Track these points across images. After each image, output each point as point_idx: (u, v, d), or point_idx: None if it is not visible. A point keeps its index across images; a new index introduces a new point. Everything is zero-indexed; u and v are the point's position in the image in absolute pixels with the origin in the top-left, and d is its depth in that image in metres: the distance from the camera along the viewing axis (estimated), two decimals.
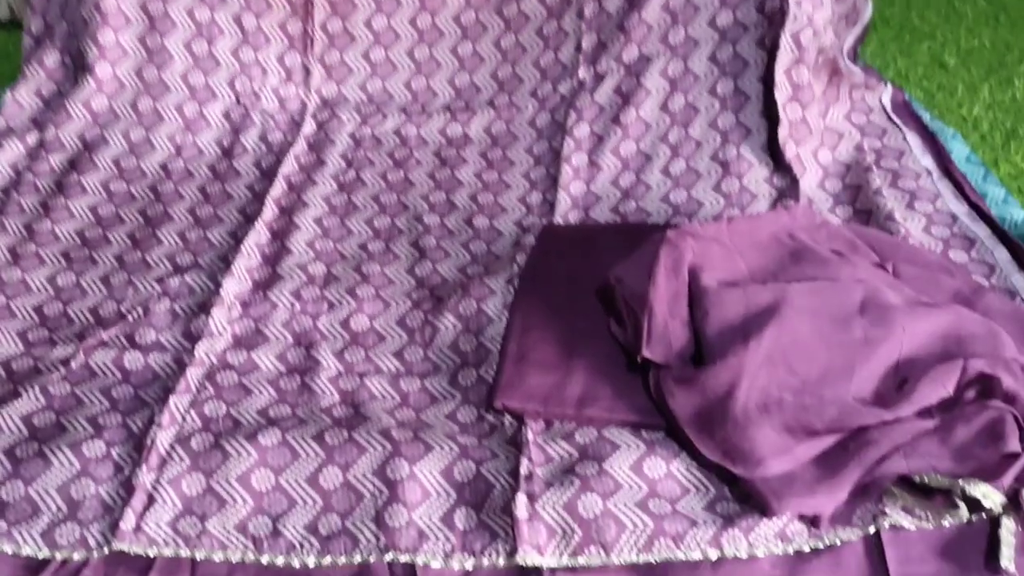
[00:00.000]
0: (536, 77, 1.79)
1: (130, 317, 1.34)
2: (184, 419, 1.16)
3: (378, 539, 1.02)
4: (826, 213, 1.47)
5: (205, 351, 1.27)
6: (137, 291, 1.40)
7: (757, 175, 1.51)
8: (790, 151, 1.50)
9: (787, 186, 1.49)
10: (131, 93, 1.76)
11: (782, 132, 1.53)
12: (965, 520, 0.99)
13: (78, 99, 1.74)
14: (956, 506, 0.98)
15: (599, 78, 1.72)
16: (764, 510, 1.00)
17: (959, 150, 1.64)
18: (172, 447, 1.11)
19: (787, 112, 1.55)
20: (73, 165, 1.67)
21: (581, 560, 0.99)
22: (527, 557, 0.98)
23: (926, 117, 1.73)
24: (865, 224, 1.45)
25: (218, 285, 1.38)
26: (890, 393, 1.07)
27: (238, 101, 1.78)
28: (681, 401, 1.09)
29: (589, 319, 1.26)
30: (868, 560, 0.98)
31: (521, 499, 1.03)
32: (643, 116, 1.64)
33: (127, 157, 1.70)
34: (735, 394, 1.05)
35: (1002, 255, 1.39)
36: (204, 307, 1.35)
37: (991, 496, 0.97)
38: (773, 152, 1.53)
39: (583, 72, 1.74)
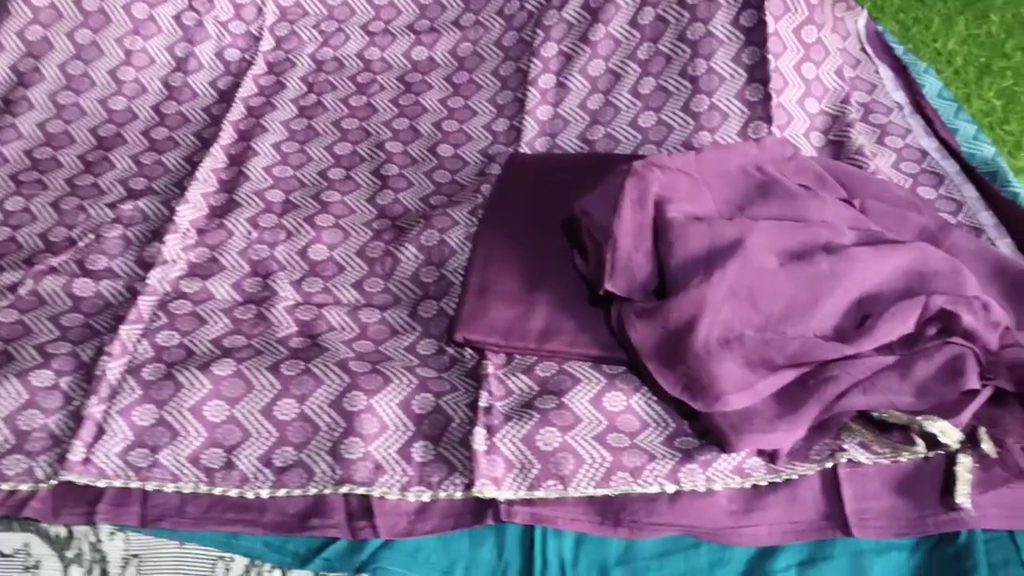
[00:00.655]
0: None
1: (81, 243, 1.30)
2: (135, 348, 1.13)
3: (334, 471, 1.01)
4: (799, 138, 1.44)
5: (158, 279, 1.24)
6: (89, 216, 1.36)
7: (728, 90, 1.47)
8: (771, 63, 1.47)
9: (759, 101, 1.44)
10: None
11: (770, 41, 1.47)
12: (922, 456, 0.99)
13: None
14: (914, 442, 0.99)
15: None
16: (722, 446, 1.00)
17: (931, 84, 1.62)
18: (123, 377, 1.09)
19: (768, 23, 1.48)
20: (20, 77, 1.61)
21: (539, 493, 0.98)
22: (484, 490, 0.98)
23: (899, 50, 1.70)
24: (836, 157, 1.43)
25: (172, 211, 1.34)
26: (851, 329, 1.06)
27: (190, 5, 1.70)
28: (642, 334, 1.08)
29: (553, 252, 1.24)
30: (824, 495, 0.99)
31: (479, 432, 1.02)
32: (612, 32, 1.59)
33: (74, 63, 1.63)
34: (696, 327, 1.04)
35: (970, 192, 1.38)
36: (158, 234, 1.31)
37: (949, 433, 0.97)
38: (747, 65, 1.49)
39: None
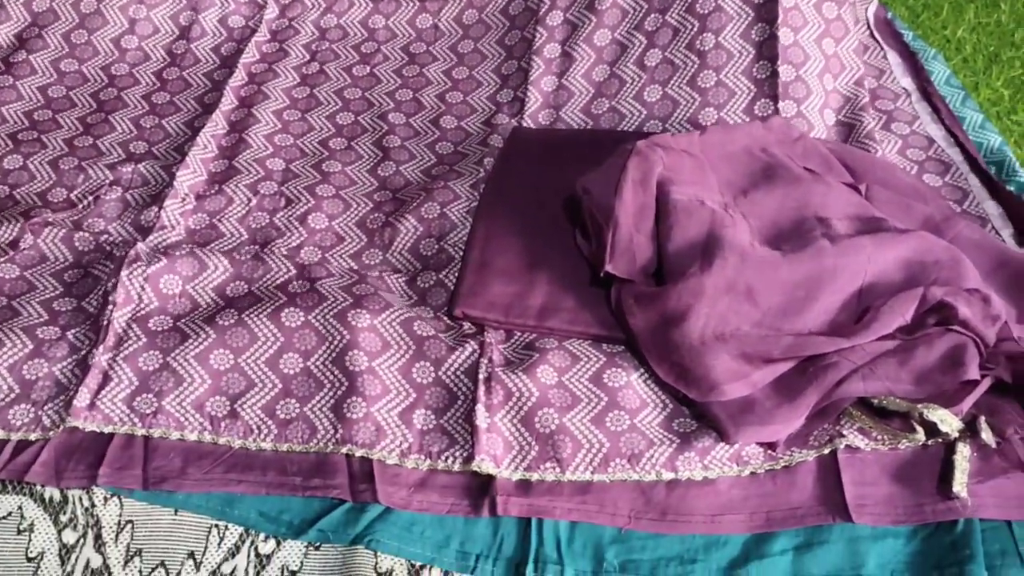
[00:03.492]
0: None
1: (80, 205, 1.30)
2: (140, 297, 1.13)
3: (336, 430, 1.01)
4: (814, 113, 1.42)
5: (156, 244, 1.23)
6: (88, 177, 1.35)
7: (736, 66, 1.46)
8: (785, 37, 1.45)
9: (766, 78, 1.43)
10: None
11: (782, 15, 1.45)
12: (921, 444, 0.99)
13: None
14: (913, 429, 0.98)
15: None
16: (720, 435, 1.00)
17: (939, 71, 1.61)
18: (128, 325, 1.09)
19: None
20: (23, 43, 1.59)
21: (535, 475, 0.98)
22: (483, 465, 0.97)
23: (908, 36, 1.69)
24: (845, 139, 1.42)
25: (172, 176, 1.33)
26: (850, 322, 1.06)
27: None
28: (640, 320, 1.08)
29: (554, 229, 1.24)
30: (824, 481, 0.98)
31: (480, 410, 1.02)
32: (619, 2, 1.57)
33: (78, 32, 1.62)
34: (691, 319, 1.04)
35: (975, 181, 1.37)
36: (157, 198, 1.30)
37: (948, 421, 0.97)
38: (756, 41, 1.47)
39: None
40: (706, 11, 1.49)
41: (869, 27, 1.67)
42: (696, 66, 1.47)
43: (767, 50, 1.44)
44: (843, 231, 1.13)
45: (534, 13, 1.62)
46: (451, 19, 1.69)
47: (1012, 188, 1.34)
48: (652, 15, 1.54)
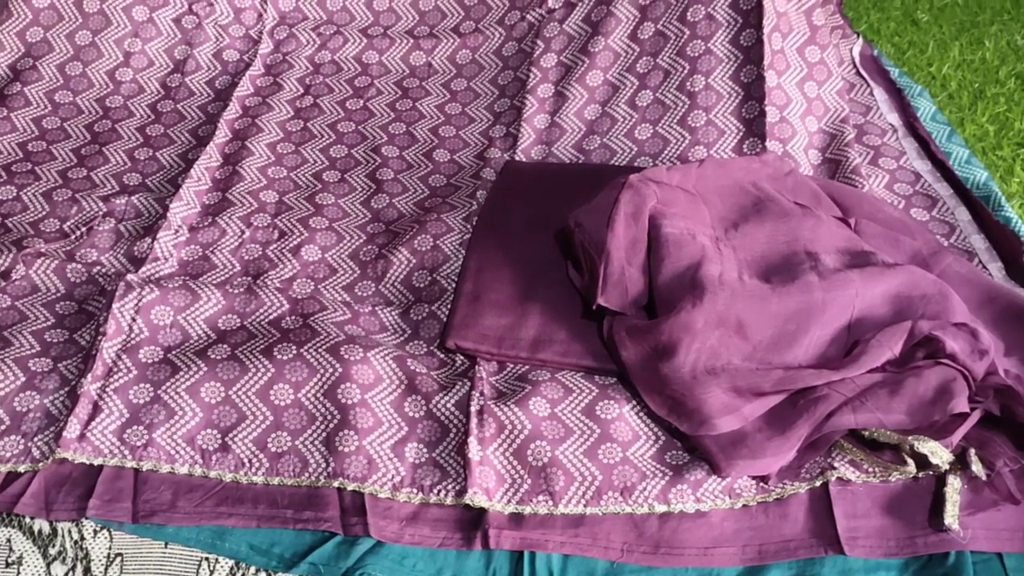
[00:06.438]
0: (504, 4, 1.74)
1: (73, 236, 1.30)
2: (131, 328, 1.12)
3: (328, 463, 1.00)
4: (799, 154, 1.44)
5: (149, 275, 1.23)
6: (81, 208, 1.35)
7: (725, 107, 1.48)
8: (771, 80, 1.48)
9: (755, 118, 1.45)
10: None
11: (768, 57, 1.49)
12: (912, 476, 0.99)
13: None
14: (904, 462, 0.99)
15: (570, 6, 1.67)
16: (713, 468, 1.00)
17: (925, 107, 1.63)
18: (119, 356, 1.09)
19: (770, 41, 1.50)
20: (17, 75, 1.60)
21: (528, 508, 0.98)
22: (475, 498, 0.97)
23: (894, 73, 1.72)
24: (832, 175, 1.44)
25: (166, 208, 1.33)
26: (840, 355, 1.06)
27: (190, 9, 1.71)
28: (631, 353, 1.08)
29: (547, 262, 1.24)
30: (816, 513, 0.98)
31: (473, 443, 1.01)
32: (612, 45, 1.60)
33: (73, 63, 1.63)
34: (682, 353, 1.04)
35: (963, 215, 1.39)
36: (150, 230, 1.30)
37: (939, 453, 0.97)
38: (744, 83, 1.49)
39: (552, 0, 1.69)
40: (696, 54, 1.52)
41: (855, 65, 1.69)
42: (686, 106, 1.49)
43: (755, 91, 1.47)
44: (832, 265, 1.13)
45: (527, 55, 1.65)
46: (444, 58, 1.71)
47: None
48: (644, 58, 1.57)
